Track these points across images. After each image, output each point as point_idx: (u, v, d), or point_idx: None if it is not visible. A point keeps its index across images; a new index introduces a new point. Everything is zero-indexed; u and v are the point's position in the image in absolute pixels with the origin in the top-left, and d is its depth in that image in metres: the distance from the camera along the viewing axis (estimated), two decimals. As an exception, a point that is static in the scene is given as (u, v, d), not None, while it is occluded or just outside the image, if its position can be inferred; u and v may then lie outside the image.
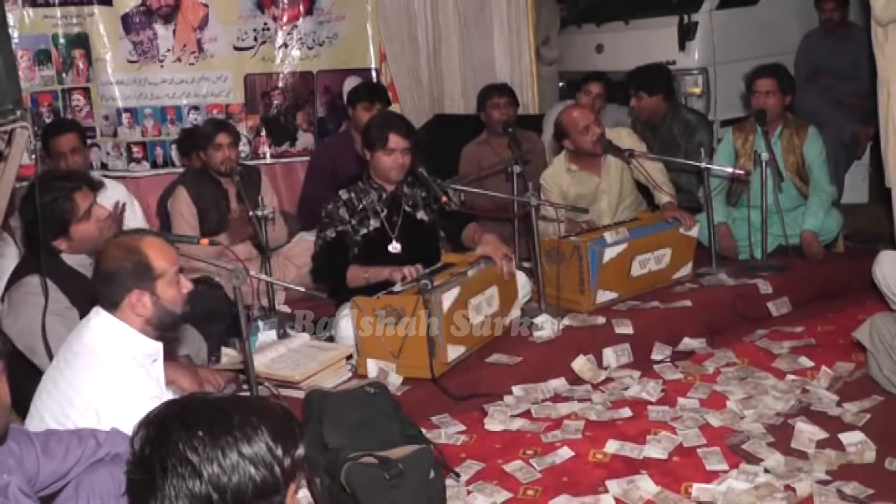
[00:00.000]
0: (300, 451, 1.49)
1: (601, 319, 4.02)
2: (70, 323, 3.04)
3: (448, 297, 3.51)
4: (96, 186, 3.35)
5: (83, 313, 3.06)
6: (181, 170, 5.31)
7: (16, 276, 3.23)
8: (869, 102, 4.42)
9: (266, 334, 3.91)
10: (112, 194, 4.35)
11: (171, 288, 2.50)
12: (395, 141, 3.86)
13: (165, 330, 2.55)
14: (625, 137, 4.64)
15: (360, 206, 3.94)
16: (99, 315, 2.48)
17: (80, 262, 3.25)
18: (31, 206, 2.99)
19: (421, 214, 4.06)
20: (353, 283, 3.82)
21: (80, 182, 3.28)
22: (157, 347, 2.55)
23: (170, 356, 3.07)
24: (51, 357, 2.84)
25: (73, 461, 2.16)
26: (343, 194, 3.94)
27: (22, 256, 3.54)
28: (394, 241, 3.95)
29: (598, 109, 5.37)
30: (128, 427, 2.21)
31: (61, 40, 5.29)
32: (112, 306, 2.47)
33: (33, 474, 2.07)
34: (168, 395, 2.54)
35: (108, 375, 2.36)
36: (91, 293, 2.58)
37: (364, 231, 3.93)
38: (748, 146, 4.79)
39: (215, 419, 1.44)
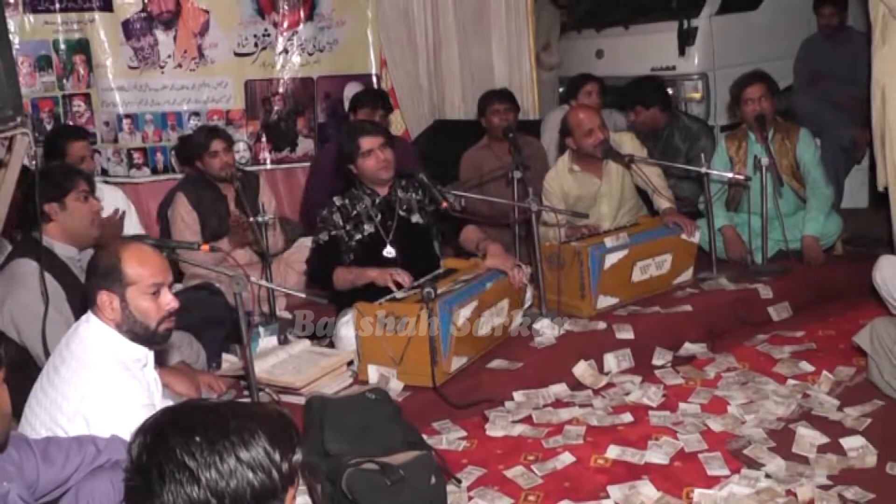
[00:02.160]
0: (298, 456, 1.49)
1: (602, 324, 4.02)
2: (63, 311, 3.06)
3: (464, 313, 3.52)
4: (93, 189, 3.47)
5: (71, 306, 3.10)
6: (181, 176, 5.32)
7: (6, 262, 3.27)
8: (868, 106, 4.43)
9: (267, 340, 3.91)
10: (110, 200, 4.38)
11: (143, 299, 2.45)
12: (366, 142, 3.88)
13: (139, 342, 2.49)
14: (627, 143, 4.66)
15: (355, 211, 3.94)
16: (88, 322, 2.48)
17: (69, 256, 3.31)
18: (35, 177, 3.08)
19: (416, 218, 4.06)
20: (340, 286, 3.83)
21: (85, 177, 3.44)
22: (146, 353, 2.53)
23: (161, 363, 3.06)
24: (47, 354, 2.85)
25: (73, 468, 2.16)
26: (337, 200, 3.95)
27: (15, 243, 3.54)
28: (388, 246, 3.95)
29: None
30: (117, 432, 2.22)
31: (62, 46, 5.31)
32: (91, 304, 2.48)
33: (33, 481, 2.07)
34: (164, 402, 2.54)
35: (96, 381, 2.35)
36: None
37: (359, 236, 3.93)
38: (742, 153, 4.80)
39: (212, 424, 1.43)
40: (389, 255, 3.93)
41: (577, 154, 4.62)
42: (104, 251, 2.52)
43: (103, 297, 2.44)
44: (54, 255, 3.24)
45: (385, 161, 3.89)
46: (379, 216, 3.96)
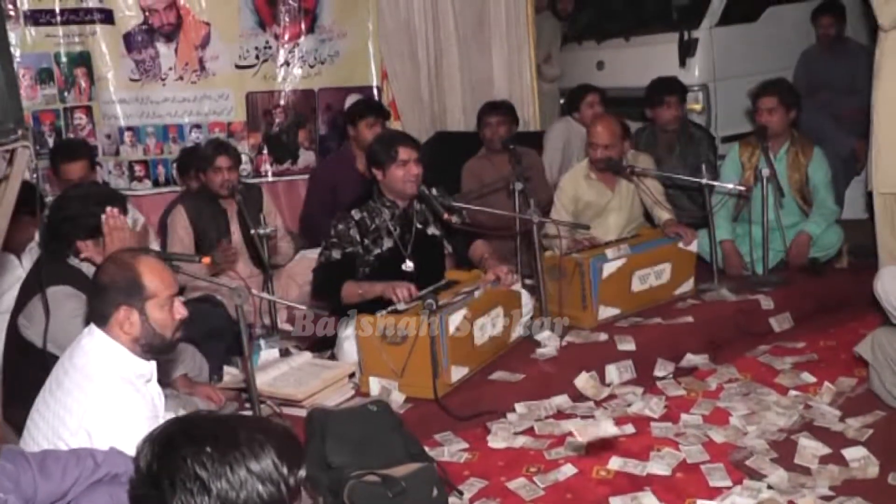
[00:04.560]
0: (302, 472, 1.49)
1: (603, 336, 4.02)
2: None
3: (454, 319, 3.51)
4: (126, 210, 3.39)
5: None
6: (182, 189, 5.32)
7: (33, 284, 3.20)
8: (867, 117, 4.44)
9: (268, 353, 3.91)
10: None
11: (161, 311, 2.45)
12: (404, 152, 3.85)
13: (154, 353, 2.49)
14: (641, 162, 4.68)
15: (373, 225, 3.91)
16: (91, 335, 2.45)
17: (90, 270, 3.25)
18: (66, 204, 3.08)
19: (432, 229, 4.06)
20: (349, 300, 3.80)
21: (121, 198, 3.36)
22: (151, 367, 2.52)
23: (164, 375, 3.05)
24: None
25: (71, 481, 2.14)
26: (356, 214, 3.90)
27: (38, 262, 3.50)
28: (407, 260, 3.93)
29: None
30: (120, 447, 2.21)
31: (63, 59, 5.31)
32: (102, 321, 2.44)
33: (30, 495, 2.05)
34: (167, 415, 2.54)
35: (100, 396, 2.33)
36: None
37: (378, 251, 3.91)
38: (754, 160, 4.81)
39: (221, 435, 1.44)
40: (408, 270, 3.92)
41: (594, 164, 4.64)
42: (115, 266, 2.48)
43: (122, 313, 2.41)
44: (80, 272, 3.21)
45: (416, 176, 3.87)
46: (397, 230, 3.94)
